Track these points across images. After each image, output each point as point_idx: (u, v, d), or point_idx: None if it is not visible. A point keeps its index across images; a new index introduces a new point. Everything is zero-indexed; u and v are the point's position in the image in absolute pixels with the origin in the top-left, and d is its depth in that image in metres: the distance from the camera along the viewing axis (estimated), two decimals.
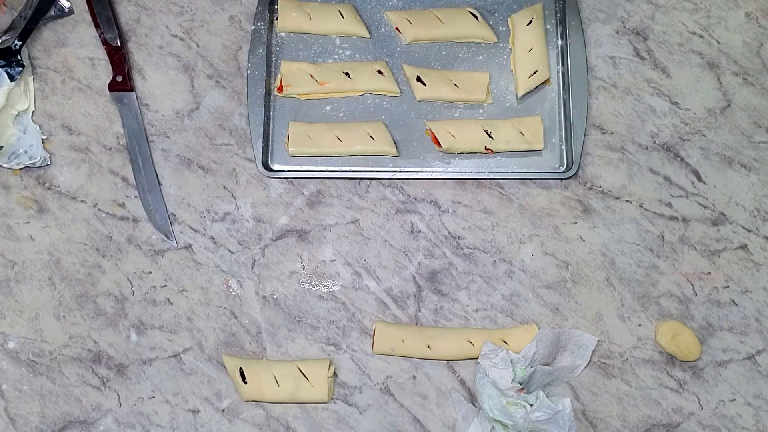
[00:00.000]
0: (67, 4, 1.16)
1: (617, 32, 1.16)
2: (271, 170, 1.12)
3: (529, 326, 1.07)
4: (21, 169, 1.12)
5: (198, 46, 1.16)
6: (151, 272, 1.10)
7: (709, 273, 1.10)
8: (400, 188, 1.12)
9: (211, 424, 1.06)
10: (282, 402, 1.05)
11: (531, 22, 1.13)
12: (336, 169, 1.12)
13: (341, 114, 1.14)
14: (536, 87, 1.13)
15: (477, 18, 1.14)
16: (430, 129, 1.11)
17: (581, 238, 1.10)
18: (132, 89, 1.14)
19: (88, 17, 1.15)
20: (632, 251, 1.10)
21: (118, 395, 1.07)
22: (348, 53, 1.15)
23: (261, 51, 1.13)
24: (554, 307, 1.09)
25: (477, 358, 1.04)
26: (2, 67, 1.11)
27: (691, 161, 1.12)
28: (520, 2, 1.16)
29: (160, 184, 1.12)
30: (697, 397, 1.07)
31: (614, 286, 1.09)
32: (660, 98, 1.14)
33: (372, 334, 1.08)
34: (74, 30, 1.16)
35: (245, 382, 1.04)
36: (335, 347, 1.08)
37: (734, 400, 1.07)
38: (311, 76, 1.12)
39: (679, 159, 1.13)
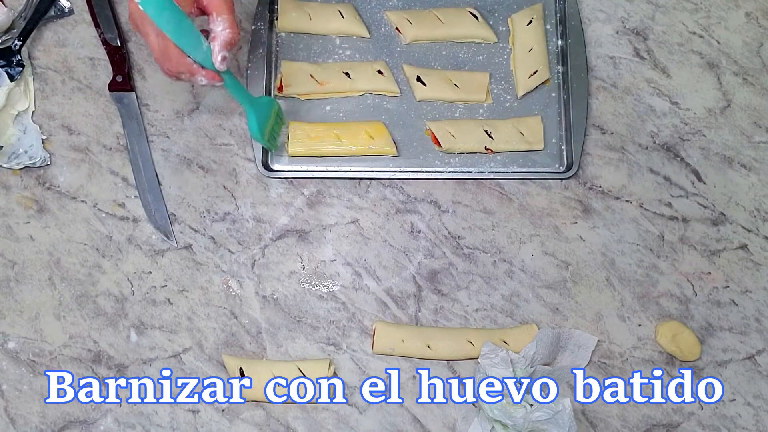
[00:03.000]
0: (67, 4, 1.16)
1: (617, 32, 1.16)
2: (271, 170, 1.12)
3: (529, 326, 1.07)
4: (21, 169, 1.12)
5: None
6: (151, 272, 1.10)
7: (709, 273, 1.10)
8: (400, 188, 1.12)
9: (211, 424, 1.06)
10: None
11: (531, 22, 1.13)
12: (336, 169, 1.12)
13: (341, 114, 1.14)
14: (536, 87, 1.13)
15: (477, 18, 1.14)
16: (430, 129, 1.11)
17: (581, 238, 1.10)
18: (132, 89, 1.14)
19: (88, 17, 1.15)
20: (632, 251, 1.10)
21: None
22: (348, 53, 1.15)
23: (261, 51, 1.13)
24: (554, 307, 1.09)
25: (477, 358, 1.04)
26: (2, 67, 1.11)
27: (691, 161, 1.13)
28: (520, 2, 1.16)
29: (160, 184, 1.12)
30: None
31: (614, 286, 1.09)
32: (660, 98, 1.14)
33: (372, 334, 1.08)
34: (74, 30, 1.16)
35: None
36: (335, 347, 1.08)
37: (734, 400, 1.07)
38: (311, 76, 1.12)
39: (679, 159, 1.13)
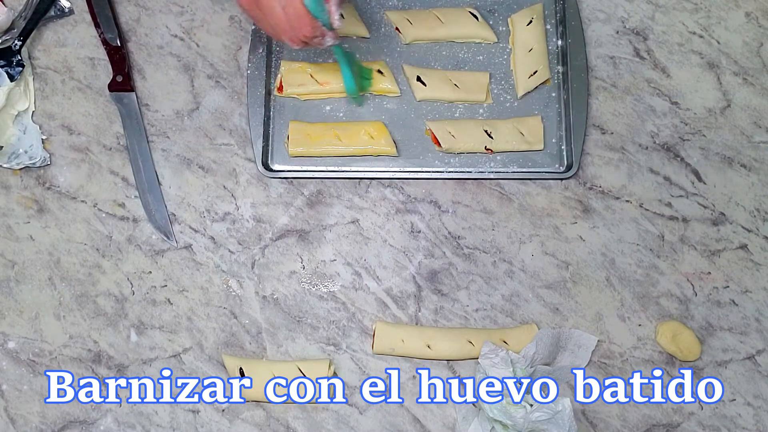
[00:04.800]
0: (67, 4, 1.16)
1: (617, 32, 1.16)
2: (271, 170, 1.12)
3: (529, 326, 1.07)
4: (21, 169, 1.12)
5: (198, 46, 1.16)
6: (151, 272, 1.10)
7: (709, 273, 1.10)
8: (400, 188, 1.12)
9: (211, 424, 1.06)
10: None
11: (531, 22, 1.13)
12: (336, 169, 1.12)
13: (341, 114, 1.14)
14: (536, 87, 1.13)
15: (477, 18, 1.14)
16: (430, 129, 1.11)
17: (581, 238, 1.10)
18: (132, 89, 1.14)
19: (88, 17, 1.15)
20: (632, 251, 1.10)
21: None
22: None
23: (261, 51, 1.13)
24: (554, 307, 1.09)
25: (477, 358, 1.04)
26: (2, 67, 1.11)
27: (691, 161, 1.13)
28: (520, 2, 1.16)
29: (160, 184, 1.12)
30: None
31: (614, 286, 1.09)
32: (660, 98, 1.14)
33: (372, 334, 1.08)
34: (74, 30, 1.16)
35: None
36: (335, 347, 1.08)
37: (734, 400, 1.07)
38: (311, 76, 1.12)
39: (679, 159, 1.13)
